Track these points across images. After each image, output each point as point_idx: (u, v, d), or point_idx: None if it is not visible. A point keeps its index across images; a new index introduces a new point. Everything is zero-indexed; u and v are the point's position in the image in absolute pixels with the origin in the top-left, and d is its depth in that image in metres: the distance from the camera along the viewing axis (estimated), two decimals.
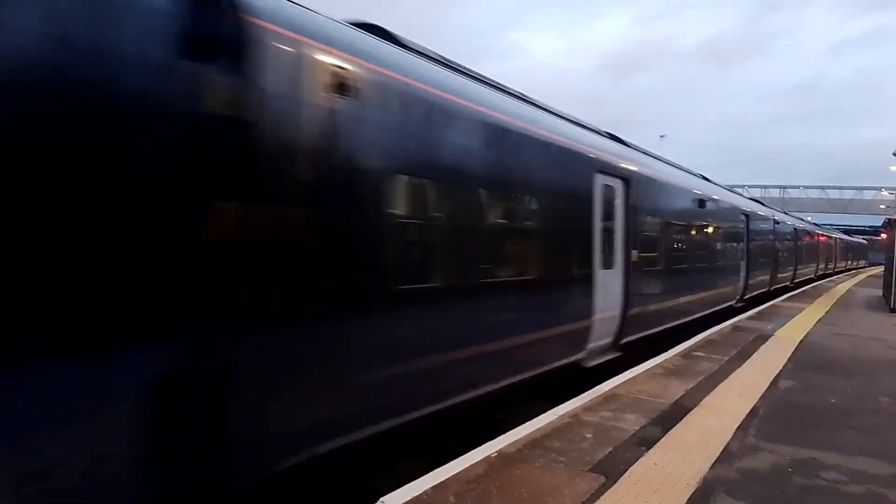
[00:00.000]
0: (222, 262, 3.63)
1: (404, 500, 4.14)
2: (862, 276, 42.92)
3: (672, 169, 13.40)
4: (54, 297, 3.05)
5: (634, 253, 9.73)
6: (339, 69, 4.38)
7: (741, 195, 22.88)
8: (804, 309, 18.08)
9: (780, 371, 9.02)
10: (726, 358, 9.85)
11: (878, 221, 52.90)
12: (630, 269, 9.59)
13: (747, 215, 18.18)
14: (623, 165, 9.76)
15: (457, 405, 5.90)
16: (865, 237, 74.68)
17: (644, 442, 5.64)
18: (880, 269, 48.56)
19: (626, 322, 9.54)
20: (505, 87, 7.75)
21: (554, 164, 7.67)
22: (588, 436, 5.73)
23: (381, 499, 4.12)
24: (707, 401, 7.18)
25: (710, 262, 14.71)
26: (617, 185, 9.37)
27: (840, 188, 72.23)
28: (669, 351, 10.20)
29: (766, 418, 6.62)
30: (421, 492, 4.28)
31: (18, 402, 2.93)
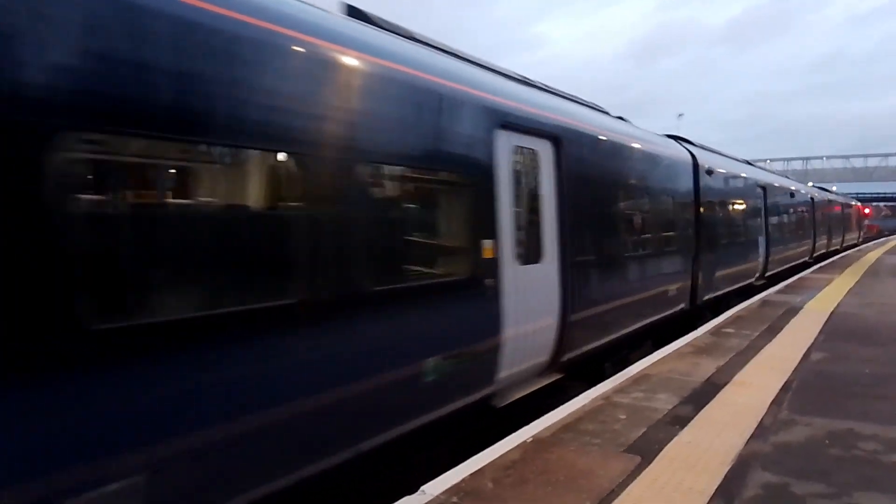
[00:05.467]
0: None
1: (444, 489, 4.22)
2: (892, 244, 41.86)
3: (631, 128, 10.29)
4: None
5: (576, 238, 7.22)
6: None
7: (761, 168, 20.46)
8: (833, 280, 17.86)
9: (812, 343, 8.95)
10: (756, 333, 9.78)
11: None
12: (569, 262, 7.02)
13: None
14: (551, 121, 7.03)
15: None
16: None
17: (677, 421, 5.67)
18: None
19: (569, 331, 6.99)
20: None
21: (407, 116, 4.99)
22: (621, 417, 5.77)
23: (422, 487, 4.21)
24: (739, 377, 7.16)
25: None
26: (541, 147, 6.83)
27: (864, 156, 70.53)
28: (698, 329, 10.17)
29: (800, 391, 6.59)
30: (459, 479, 4.36)
31: None
